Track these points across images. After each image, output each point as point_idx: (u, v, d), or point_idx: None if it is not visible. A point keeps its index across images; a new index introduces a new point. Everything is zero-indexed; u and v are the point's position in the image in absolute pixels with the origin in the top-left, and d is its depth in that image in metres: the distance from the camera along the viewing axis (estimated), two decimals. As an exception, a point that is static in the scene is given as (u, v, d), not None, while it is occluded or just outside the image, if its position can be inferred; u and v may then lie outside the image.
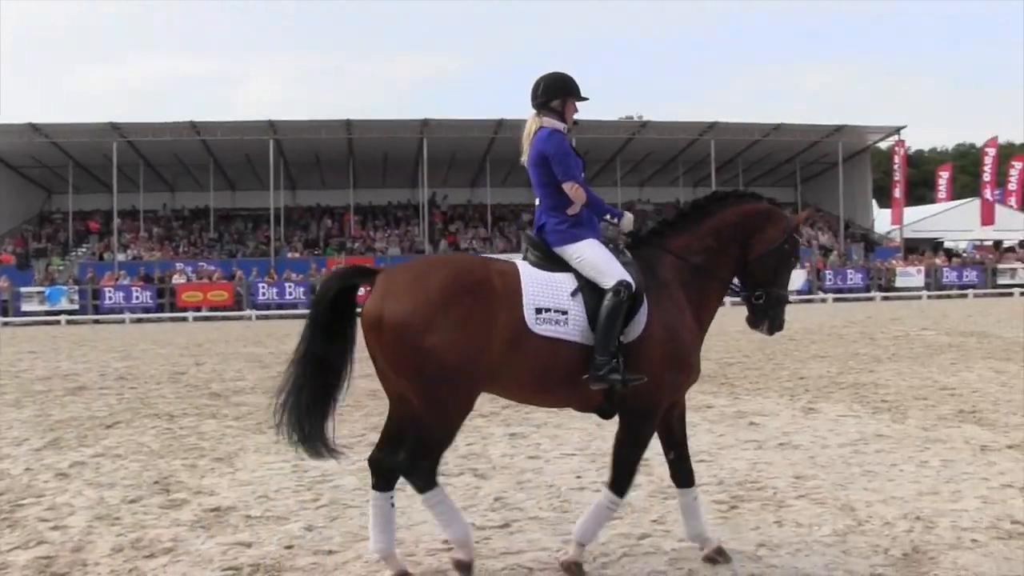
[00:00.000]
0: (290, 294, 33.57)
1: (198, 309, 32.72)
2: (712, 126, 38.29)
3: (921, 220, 44.97)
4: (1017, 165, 47.30)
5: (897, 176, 41.40)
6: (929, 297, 33.78)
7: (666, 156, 42.56)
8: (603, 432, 8.19)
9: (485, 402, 10.14)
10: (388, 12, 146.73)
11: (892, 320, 22.18)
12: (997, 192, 44.53)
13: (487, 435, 8.25)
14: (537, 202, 4.70)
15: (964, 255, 40.96)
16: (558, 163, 4.54)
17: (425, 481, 4.25)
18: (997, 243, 44.26)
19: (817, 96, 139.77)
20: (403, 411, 4.42)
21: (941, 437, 7.73)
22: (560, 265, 4.50)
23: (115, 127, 36.36)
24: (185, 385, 12.37)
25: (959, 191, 52.83)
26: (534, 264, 4.54)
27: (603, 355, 4.22)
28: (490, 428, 8.59)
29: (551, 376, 4.31)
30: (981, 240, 44.33)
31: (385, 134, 37.94)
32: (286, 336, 21.83)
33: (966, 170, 61.83)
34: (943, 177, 50.25)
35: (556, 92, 4.70)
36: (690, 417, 8.89)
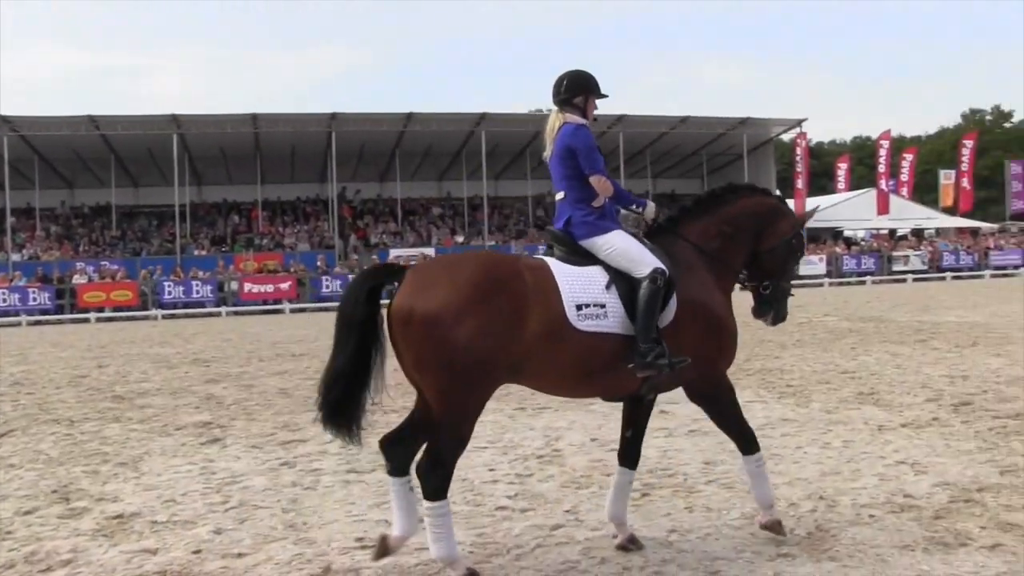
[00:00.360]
0: (197, 292, 32.69)
1: (101, 310, 31.58)
2: (621, 119, 38.63)
3: (823, 209, 46.42)
4: (908, 157, 49.54)
5: (799, 167, 42.63)
6: (831, 284, 35.00)
7: (576, 149, 42.96)
8: (515, 424, 8.24)
9: (398, 397, 10.05)
10: (294, 6, 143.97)
11: (796, 307, 22.76)
12: (891, 183, 46.39)
13: (401, 431, 8.19)
14: (560, 196, 4.77)
15: (862, 244, 42.53)
16: (585, 157, 4.61)
17: (437, 489, 4.20)
18: (892, 232, 46.12)
19: (720, 90, 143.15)
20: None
21: (842, 419, 8.02)
22: (587, 258, 4.57)
23: (5, 120, 34.76)
24: (87, 388, 11.92)
25: (857, 182, 54.84)
26: (561, 259, 4.57)
27: (646, 342, 4.32)
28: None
29: (590, 368, 4.38)
30: (877, 229, 46.09)
31: (292, 128, 37.24)
32: (194, 335, 21.27)
33: (863, 162, 64.20)
34: (842, 168, 52.06)
35: (579, 89, 4.76)
36: (601, 407, 9.01)
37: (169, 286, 32.63)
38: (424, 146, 40.05)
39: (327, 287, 33.21)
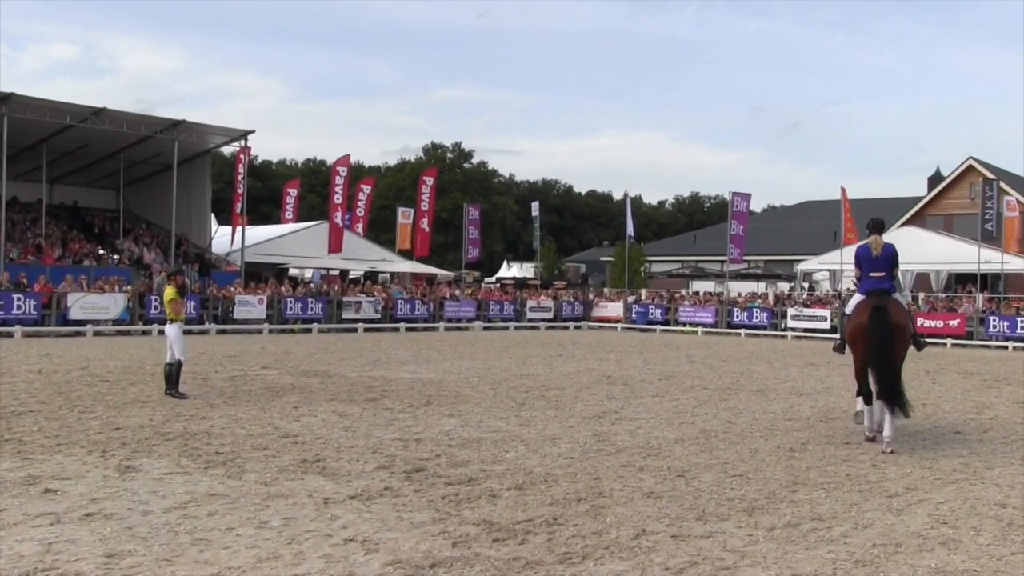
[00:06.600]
0: None
1: None
2: (7, 98, 35.21)
3: (266, 242, 47.79)
4: (366, 189, 53.25)
5: (241, 189, 43.30)
6: (271, 331, 36.02)
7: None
8: None
9: None
10: None
11: (230, 357, 23.11)
12: (347, 216, 49.23)
13: None
14: (881, 275, 11.85)
15: (310, 285, 44.58)
16: (895, 262, 11.99)
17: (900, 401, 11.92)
18: (344, 273, 49.17)
19: (144, 82, 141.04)
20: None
21: (282, 492, 8.25)
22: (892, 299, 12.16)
23: None
24: None
25: (307, 212, 57.61)
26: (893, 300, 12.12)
27: (916, 336, 12.63)
28: None
29: (906, 350, 12.13)
30: (328, 269, 48.84)
31: None
32: None
33: (315, 190, 67.81)
34: (291, 195, 54.39)
35: (884, 228, 12.03)
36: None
37: None
38: None
39: None
